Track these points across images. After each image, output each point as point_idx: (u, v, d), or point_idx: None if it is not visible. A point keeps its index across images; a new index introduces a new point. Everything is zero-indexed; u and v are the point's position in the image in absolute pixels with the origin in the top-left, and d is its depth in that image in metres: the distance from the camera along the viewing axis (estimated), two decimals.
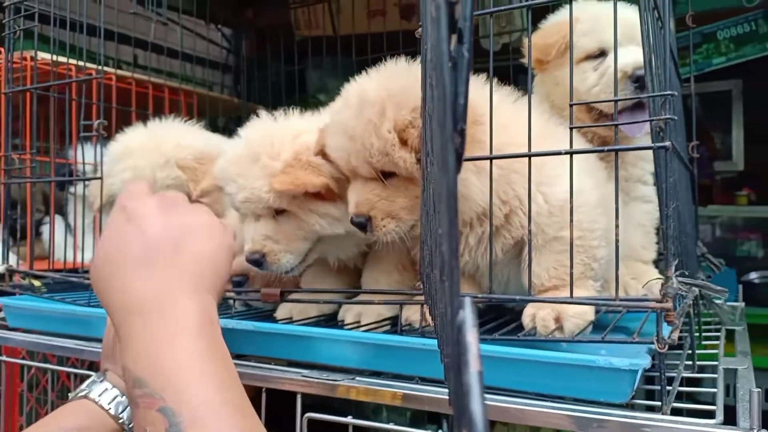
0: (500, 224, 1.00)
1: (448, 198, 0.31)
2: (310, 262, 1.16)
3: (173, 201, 0.83)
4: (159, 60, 2.44)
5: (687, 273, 1.00)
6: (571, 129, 0.87)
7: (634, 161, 1.27)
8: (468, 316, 0.29)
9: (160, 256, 0.75)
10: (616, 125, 0.86)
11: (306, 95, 3.04)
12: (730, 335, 1.38)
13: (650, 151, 0.82)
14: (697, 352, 1.12)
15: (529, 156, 0.89)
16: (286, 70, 2.94)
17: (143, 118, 1.90)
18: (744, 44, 2.93)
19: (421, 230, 0.97)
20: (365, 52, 2.29)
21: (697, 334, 1.36)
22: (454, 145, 0.28)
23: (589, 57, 1.21)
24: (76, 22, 1.42)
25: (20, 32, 1.48)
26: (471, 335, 0.28)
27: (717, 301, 1.51)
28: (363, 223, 0.99)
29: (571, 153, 0.86)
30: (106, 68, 1.73)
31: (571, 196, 0.87)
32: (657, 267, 1.30)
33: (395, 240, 1.00)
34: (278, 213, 1.10)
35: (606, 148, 0.87)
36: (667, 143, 0.80)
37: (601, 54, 1.21)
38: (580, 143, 1.07)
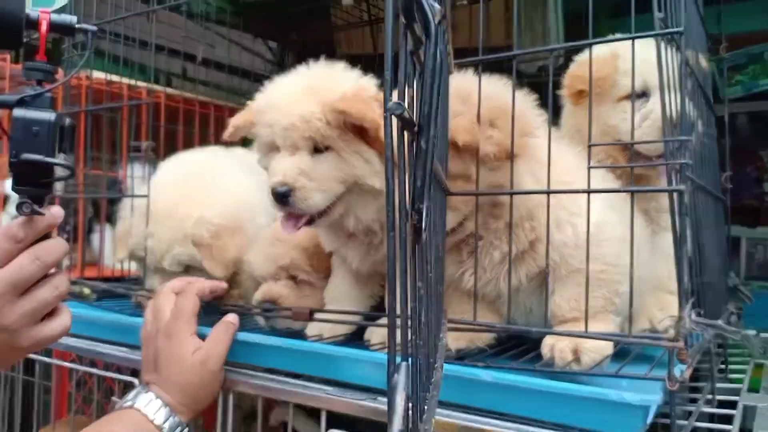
0: (525, 249, 1.02)
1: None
2: (333, 217, 1.12)
3: (175, 321, 1.16)
4: (207, 73, 2.53)
5: (706, 309, 1.01)
6: (588, 169, 0.90)
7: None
8: (401, 380, 0.33)
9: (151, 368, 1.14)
10: (632, 167, 0.88)
11: None
12: (759, 368, 1.37)
13: None
14: (724, 385, 1.13)
15: (548, 193, 0.92)
16: None
17: (189, 136, 2.00)
18: None
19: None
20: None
21: (723, 366, 1.36)
22: (412, 222, 0.32)
23: (628, 98, 1.19)
24: (130, 38, 1.51)
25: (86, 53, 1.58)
26: (400, 397, 0.33)
27: (748, 332, 1.50)
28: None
29: (588, 192, 0.89)
30: (155, 86, 1.83)
31: (588, 233, 0.90)
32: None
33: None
34: (317, 152, 1.07)
35: (623, 188, 0.90)
36: (682, 186, 0.82)
37: (643, 95, 1.19)
38: (609, 179, 1.09)
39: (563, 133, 1.26)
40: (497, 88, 1.01)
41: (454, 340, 1.04)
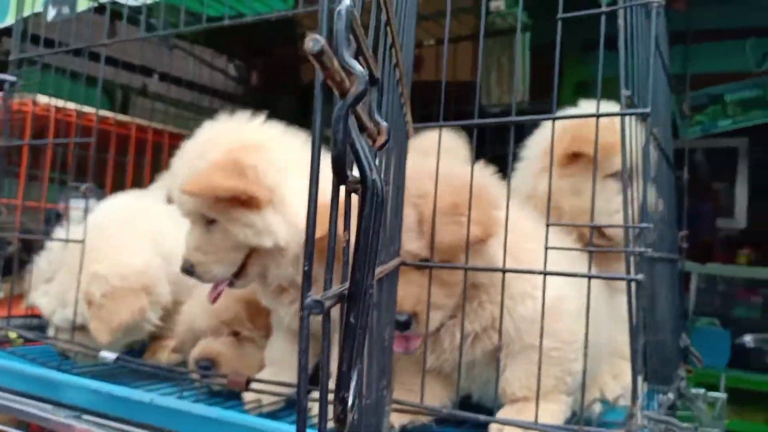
0: (487, 326, 0.98)
1: None
2: (251, 278, 1.11)
3: None
4: (168, 88, 2.44)
5: (659, 376, 0.98)
6: (546, 249, 0.85)
7: (618, 256, 1.25)
8: None
9: None
10: (591, 251, 0.84)
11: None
12: None
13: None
14: None
15: (504, 271, 0.88)
16: (294, 104, 2.95)
17: (140, 167, 1.91)
18: (751, 108, 2.92)
19: None
20: None
21: None
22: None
23: (614, 176, 1.14)
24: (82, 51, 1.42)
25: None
26: None
27: (698, 392, 1.48)
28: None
29: (544, 274, 0.85)
30: (104, 112, 1.74)
31: (543, 316, 0.86)
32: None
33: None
34: (210, 222, 1.05)
35: (580, 273, 0.86)
36: (639, 276, 0.79)
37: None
38: (577, 256, 1.04)
39: (523, 196, 1.19)
40: (462, 169, 0.96)
41: (397, 418, 0.99)
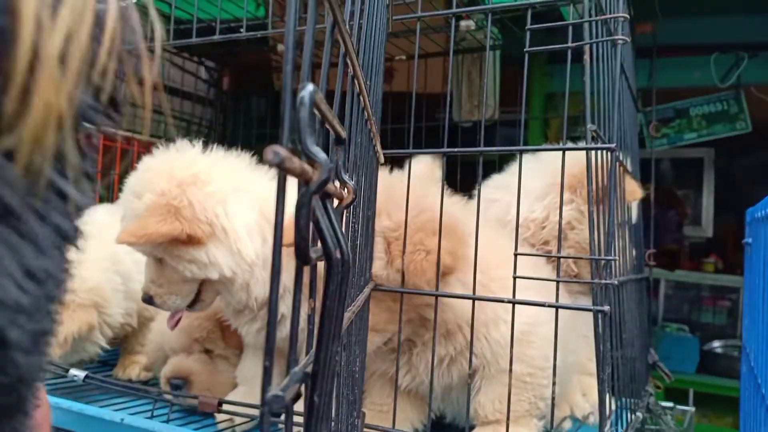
0: (463, 348, 0.99)
1: None
2: (207, 304, 1.14)
3: None
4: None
5: (628, 393, 1.00)
6: (514, 278, 0.87)
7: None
8: None
9: None
10: (558, 282, 0.86)
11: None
12: None
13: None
14: None
15: (474, 299, 0.89)
16: (267, 106, 2.94)
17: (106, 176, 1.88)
18: (715, 122, 2.99)
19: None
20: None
21: None
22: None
23: None
24: None
25: None
26: None
27: (666, 405, 1.52)
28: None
29: (513, 302, 0.87)
30: None
31: (512, 345, 0.87)
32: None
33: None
34: (161, 258, 1.06)
35: (547, 303, 0.87)
36: (606, 308, 0.80)
37: None
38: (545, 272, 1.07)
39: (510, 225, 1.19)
40: (432, 199, 0.96)
41: None
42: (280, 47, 1.97)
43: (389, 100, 2.03)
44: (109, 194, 1.90)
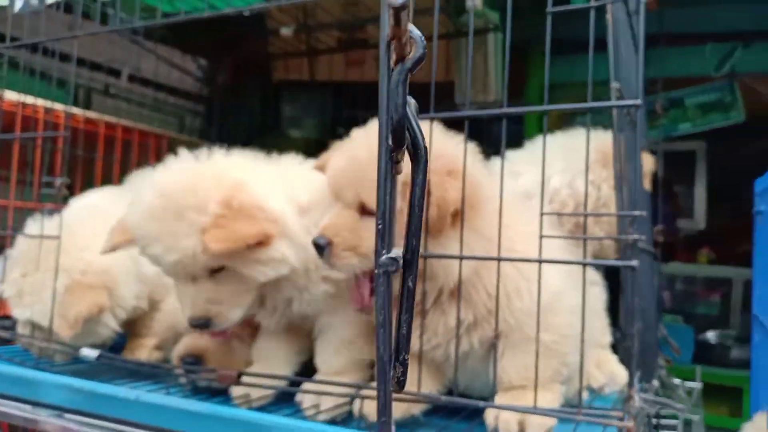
0: (483, 317, 0.98)
1: None
2: (249, 308, 1.10)
3: None
4: (132, 88, 2.40)
5: (645, 368, 1.00)
6: (540, 237, 0.87)
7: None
8: None
9: None
10: (585, 239, 0.86)
11: (279, 131, 3.01)
12: (689, 424, 1.39)
13: None
14: None
15: (498, 260, 0.89)
16: (260, 103, 2.93)
17: (109, 164, 1.87)
18: (710, 112, 3.02)
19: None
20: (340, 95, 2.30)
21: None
22: None
23: None
24: (50, 50, 1.38)
25: None
26: None
27: (676, 382, 1.52)
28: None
29: (539, 261, 0.86)
30: (74, 108, 1.70)
31: (539, 304, 0.87)
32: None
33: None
34: (215, 271, 1.00)
35: (575, 261, 0.87)
36: (635, 262, 0.80)
37: None
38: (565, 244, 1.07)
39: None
40: (453, 149, 0.96)
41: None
42: (284, 30, 1.97)
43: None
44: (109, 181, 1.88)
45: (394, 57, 0.29)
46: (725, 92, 2.97)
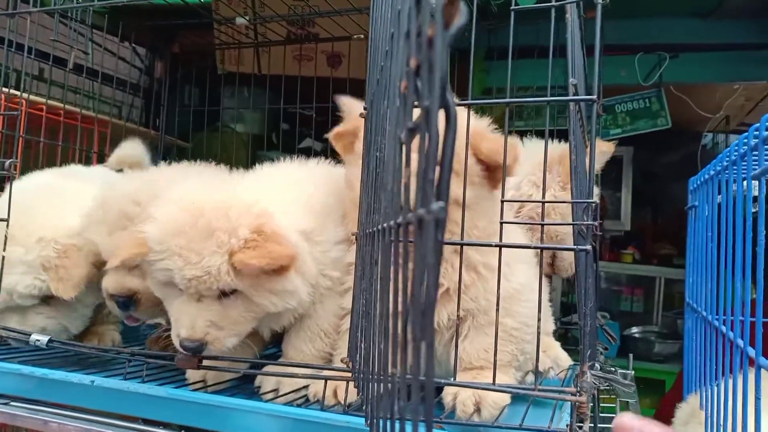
0: (454, 291, 1.00)
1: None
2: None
3: None
4: (65, 75, 2.31)
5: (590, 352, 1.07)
6: (501, 224, 0.92)
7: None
8: None
9: None
10: (543, 225, 0.91)
11: (218, 123, 2.97)
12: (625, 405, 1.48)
13: None
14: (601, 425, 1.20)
15: (462, 245, 0.93)
16: (201, 95, 2.88)
17: (52, 149, 1.80)
18: (638, 119, 3.19)
19: (353, 301, 0.99)
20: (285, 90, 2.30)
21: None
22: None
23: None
24: None
25: None
26: None
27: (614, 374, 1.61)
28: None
29: (500, 246, 0.91)
30: (15, 92, 1.64)
31: (498, 287, 0.92)
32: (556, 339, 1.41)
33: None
34: (224, 295, 1.00)
35: (532, 245, 0.92)
36: (588, 247, 0.86)
37: None
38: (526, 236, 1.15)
39: None
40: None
41: (341, 393, 1.01)
42: (240, 20, 1.95)
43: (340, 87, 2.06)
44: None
45: (443, 22, 0.31)
46: (653, 100, 3.14)
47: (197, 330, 0.97)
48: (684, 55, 2.84)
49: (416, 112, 0.37)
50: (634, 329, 3.72)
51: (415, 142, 0.37)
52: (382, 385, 0.66)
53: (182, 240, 0.96)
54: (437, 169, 0.31)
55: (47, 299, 1.26)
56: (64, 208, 1.28)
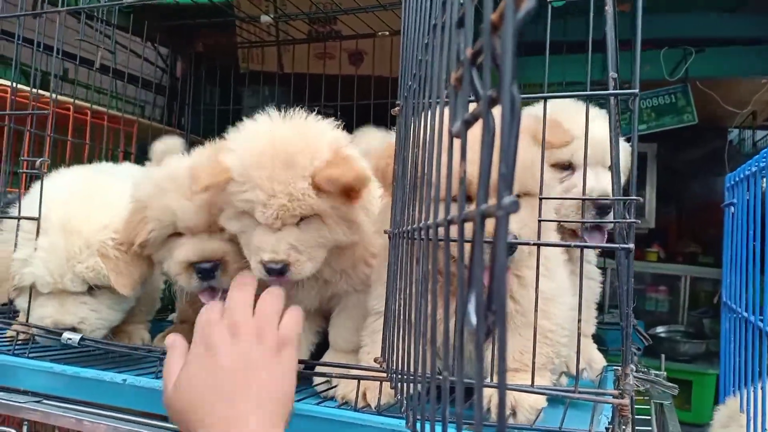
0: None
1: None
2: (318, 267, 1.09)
3: (240, 324, 0.87)
4: (89, 75, 2.32)
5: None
6: (539, 221, 0.90)
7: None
8: None
9: (234, 389, 0.80)
10: (583, 222, 0.89)
11: (240, 122, 2.98)
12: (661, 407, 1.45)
13: None
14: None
15: (539, 245, 0.91)
16: (222, 94, 2.89)
17: (80, 148, 1.81)
18: (663, 115, 3.13)
19: (386, 301, 0.97)
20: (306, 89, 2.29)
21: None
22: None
23: (558, 165, 1.20)
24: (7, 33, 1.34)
25: None
26: None
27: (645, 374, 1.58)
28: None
29: (538, 245, 0.89)
30: (43, 92, 1.64)
31: (537, 288, 0.90)
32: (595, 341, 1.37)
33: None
34: (301, 221, 1.01)
35: (573, 243, 0.90)
36: (630, 245, 0.84)
37: (569, 167, 1.19)
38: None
39: None
40: None
41: (374, 394, 0.99)
42: (264, 18, 1.94)
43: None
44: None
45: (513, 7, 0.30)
46: (678, 96, 3.09)
47: (280, 252, 0.98)
48: (710, 49, 2.78)
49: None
50: (660, 328, 3.67)
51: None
52: (420, 386, 0.64)
53: (265, 172, 0.97)
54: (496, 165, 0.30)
55: (92, 290, 1.24)
56: (116, 200, 1.27)
